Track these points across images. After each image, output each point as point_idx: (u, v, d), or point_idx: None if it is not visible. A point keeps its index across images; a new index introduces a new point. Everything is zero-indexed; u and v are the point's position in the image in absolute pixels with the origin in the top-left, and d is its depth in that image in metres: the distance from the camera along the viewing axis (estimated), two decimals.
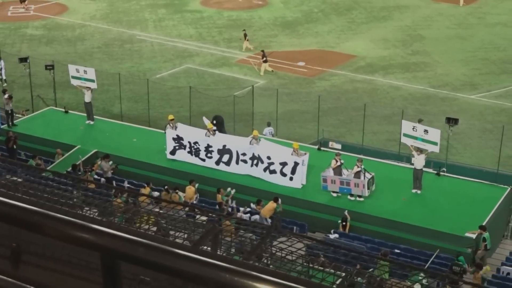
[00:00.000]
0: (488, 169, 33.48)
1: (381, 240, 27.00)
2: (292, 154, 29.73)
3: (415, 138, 29.36)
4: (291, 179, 29.71)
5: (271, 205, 28.08)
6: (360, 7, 63.04)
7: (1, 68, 44.72)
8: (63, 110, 37.85)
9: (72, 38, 55.15)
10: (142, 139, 34.59)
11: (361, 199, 28.94)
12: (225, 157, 30.99)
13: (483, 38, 54.75)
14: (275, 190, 29.53)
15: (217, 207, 28.19)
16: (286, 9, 62.87)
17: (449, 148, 34.62)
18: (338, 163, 29.03)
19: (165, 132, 32.40)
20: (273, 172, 29.99)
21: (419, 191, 29.53)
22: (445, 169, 32.01)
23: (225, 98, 40.47)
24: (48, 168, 29.96)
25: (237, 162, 30.74)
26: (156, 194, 28.65)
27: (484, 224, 26.61)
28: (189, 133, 31.89)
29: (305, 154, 29.91)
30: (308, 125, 39.18)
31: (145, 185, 29.22)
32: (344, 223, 27.78)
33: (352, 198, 28.98)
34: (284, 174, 29.79)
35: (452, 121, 33.45)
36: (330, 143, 35.29)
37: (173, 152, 31.96)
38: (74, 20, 59.41)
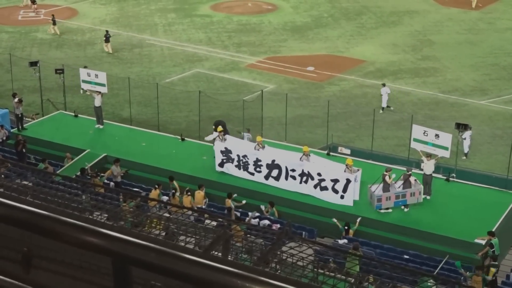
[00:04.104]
0: (497, 175, 33.38)
1: (390, 246, 26.94)
2: (345, 171, 28.90)
3: (426, 143, 29.30)
4: (342, 197, 28.87)
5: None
6: (369, 12, 62.99)
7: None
8: (73, 114, 37.98)
9: (82, 42, 55.30)
10: (151, 144, 34.64)
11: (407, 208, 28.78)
12: (274, 172, 30.30)
13: (493, 44, 54.60)
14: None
15: (225, 211, 28.20)
16: (295, 14, 62.87)
17: (459, 153, 34.56)
18: (389, 177, 28.29)
19: (213, 144, 31.87)
20: (324, 188, 29.22)
21: (428, 197, 29.46)
22: (454, 175, 31.96)
23: (234, 102, 40.49)
24: (57, 172, 30.04)
25: (286, 178, 30.05)
26: (165, 198, 28.67)
27: (493, 230, 26.52)
28: (238, 146, 31.35)
29: (358, 170, 29.10)
30: (317, 130, 39.13)
31: (156, 186, 29.26)
32: (346, 228, 27.74)
33: (407, 209, 28.75)
34: (336, 191, 28.99)
35: (462, 126, 33.40)
36: (340, 148, 35.25)
37: (221, 165, 31.39)
38: (84, 24, 59.57)
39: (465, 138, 35.63)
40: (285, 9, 64.36)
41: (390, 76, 48.05)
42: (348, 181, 28.68)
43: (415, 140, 29.83)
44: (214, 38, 56.38)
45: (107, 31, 53.19)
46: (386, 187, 28.40)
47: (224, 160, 31.28)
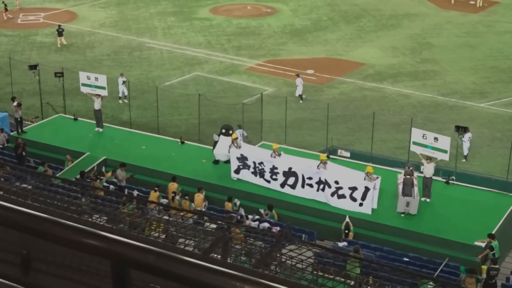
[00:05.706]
0: (497, 178, 33.37)
1: (390, 249, 26.92)
2: (364, 179, 28.57)
3: (425, 146, 29.32)
4: (360, 204, 28.54)
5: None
6: (369, 15, 63.03)
7: (123, 83, 43.61)
8: (73, 117, 37.97)
9: (82, 46, 55.30)
10: (151, 147, 34.63)
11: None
12: (291, 180, 29.97)
13: (492, 46, 54.65)
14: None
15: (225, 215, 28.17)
16: (295, 17, 62.91)
17: (459, 156, 34.56)
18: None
19: (228, 152, 31.42)
20: (341, 196, 28.85)
21: (428, 199, 29.46)
22: (454, 178, 31.95)
23: (234, 105, 40.47)
24: (57, 175, 30.03)
25: (302, 186, 29.73)
26: (165, 201, 28.66)
27: (493, 232, 26.52)
28: (254, 153, 31.11)
29: (377, 178, 28.78)
30: (317, 133, 39.12)
31: (156, 188, 29.23)
32: (346, 231, 27.69)
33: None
34: (354, 199, 28.65)
35: (461, 129, 33.40)
36: (339, 151, 35.21)
37: (237, 171, 31.08)
38: (83, 27, 59.59)
39: (464, 141, 35.64)
40: (284, 12, 64.41)
41: (390, 79, 48.09)
42: (367, 189, 28.37)
43: (415, 143, 29.84)
44: (214, 41, 56.40)
45: (59, 25, 55.29)
46: (410, 189, 28.23)
47: (240, 167, 30.97)
